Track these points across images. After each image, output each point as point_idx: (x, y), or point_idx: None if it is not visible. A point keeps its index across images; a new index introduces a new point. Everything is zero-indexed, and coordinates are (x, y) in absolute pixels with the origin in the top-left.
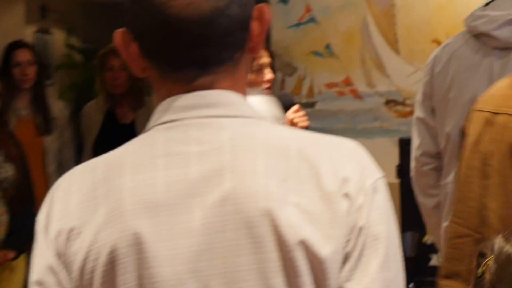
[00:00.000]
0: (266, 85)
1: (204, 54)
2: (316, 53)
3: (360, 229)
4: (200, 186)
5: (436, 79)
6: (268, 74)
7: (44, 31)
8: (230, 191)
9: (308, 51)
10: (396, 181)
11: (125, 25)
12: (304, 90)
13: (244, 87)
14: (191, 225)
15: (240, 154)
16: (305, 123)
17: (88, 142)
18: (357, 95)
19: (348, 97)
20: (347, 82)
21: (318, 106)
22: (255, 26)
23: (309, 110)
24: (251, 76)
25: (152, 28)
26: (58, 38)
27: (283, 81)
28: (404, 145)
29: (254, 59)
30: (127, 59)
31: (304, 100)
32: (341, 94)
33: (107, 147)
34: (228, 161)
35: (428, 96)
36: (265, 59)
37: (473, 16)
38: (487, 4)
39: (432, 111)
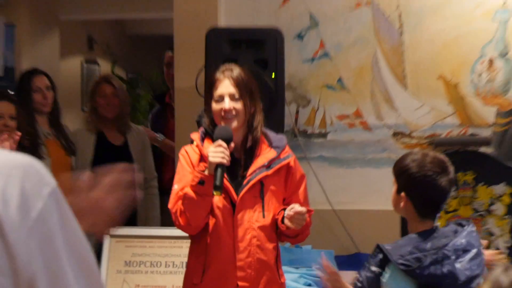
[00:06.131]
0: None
1: None
2: (329, 86)
3: None
4: None
5: None
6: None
7: (91, 61)
8: None
9: (322, 84)
10: None
11: None
12: (317, 121)
13: None
14: None
15: None
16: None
17: (80, 160)
18: (366, 127)
19: (358, 128)
20: (358, 114)
21: (329, 137)
22: None
23: (321, 140)
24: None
25: None
26: (104, 68)
27: (297, 112)
28: None
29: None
30: None
31: (317, 131)
32: (351, 125)
33: (102, 166)
34: None
35: None
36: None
37: None
38: None
39: None
